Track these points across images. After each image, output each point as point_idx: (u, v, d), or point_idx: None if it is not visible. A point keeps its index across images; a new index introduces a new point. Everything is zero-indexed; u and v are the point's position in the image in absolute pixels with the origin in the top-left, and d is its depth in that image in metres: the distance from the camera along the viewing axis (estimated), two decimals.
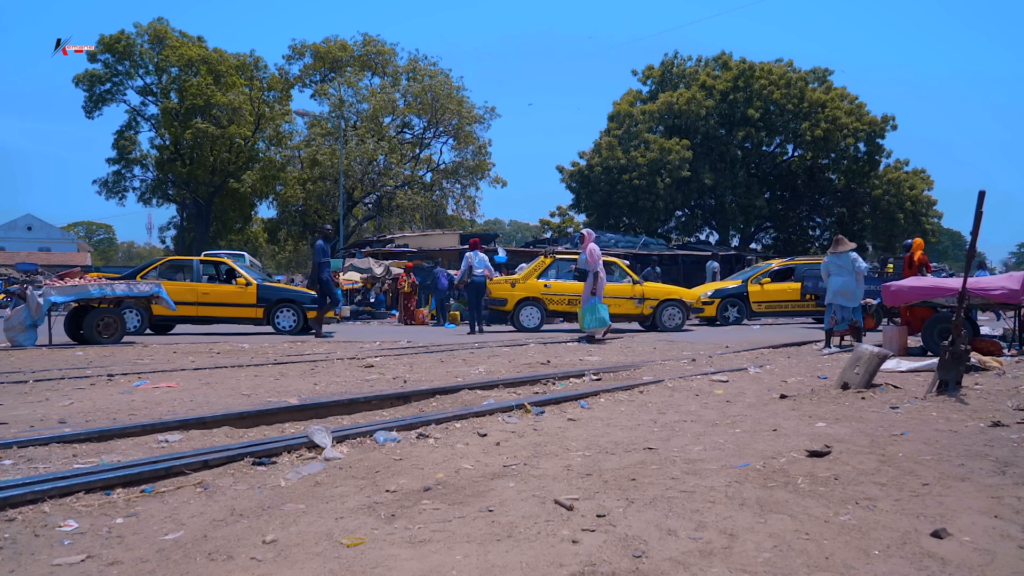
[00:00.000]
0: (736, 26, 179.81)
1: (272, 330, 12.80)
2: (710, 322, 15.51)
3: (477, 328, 12.69)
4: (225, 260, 14.20)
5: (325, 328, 12.75)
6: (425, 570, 2.10)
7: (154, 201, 39.28)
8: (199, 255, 28.18)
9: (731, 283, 16.18)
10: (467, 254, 13.18)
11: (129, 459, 3.40)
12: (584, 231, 11.70)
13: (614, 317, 13.92)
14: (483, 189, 56.90)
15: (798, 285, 15.19)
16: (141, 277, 12.46)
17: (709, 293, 15.43)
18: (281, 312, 12.83)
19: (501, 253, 21.94)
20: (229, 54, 37.28)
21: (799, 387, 5.77)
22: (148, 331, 12.52)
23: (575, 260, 13.89)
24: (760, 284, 15.37)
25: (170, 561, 2.20)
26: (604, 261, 14.44)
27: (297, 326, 12.77)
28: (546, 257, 13.96)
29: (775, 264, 16.46)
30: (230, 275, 13.30)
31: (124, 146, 37.94)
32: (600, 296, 10.79)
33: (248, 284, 12.87)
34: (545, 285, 13.47)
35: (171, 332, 13.17)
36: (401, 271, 20.19)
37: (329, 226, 14.23)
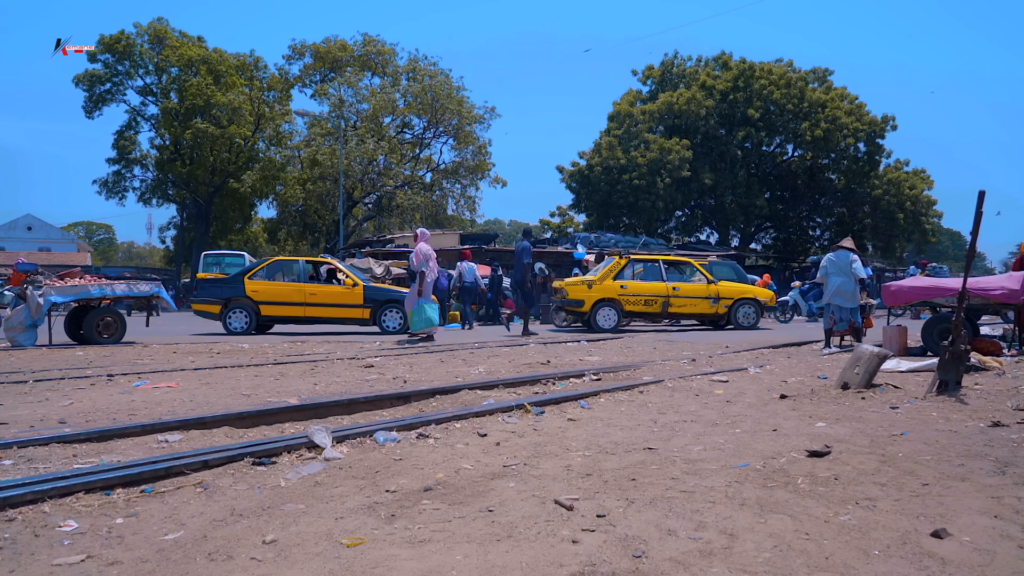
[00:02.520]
0: (736, 26, 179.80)
1: (378, 330, 12.86)
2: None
3: (467, 326, 14.71)
4: (330, 261, 14.22)
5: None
6: (425, 570, 2.10)
7: (154, 201, 39.33)
8: (199, 255, 28.24)
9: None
10: (459, 264, 15.63)
11: (129, 459, 3.40)
12: (418, 230, 11.72)
13: (691, 316, 14.22)
14: (483, 189, 56.98)
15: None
16: (249, 278, 12.72)
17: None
18: (387, 312, 12.88)
19: (580, 250, 21.95)
20: (229, 54, 37.29)
21: (799, 387, 5.77)
22: (253, 331, 12.62)
23: (653, 262, 14.05)
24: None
25: (170, 561, 2.20)
26: (676, 262, 14.58)
27: (403, 326, 12.81)
28: (621, 258, 14.03)
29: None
30: (330, 275, 13.34)
31: (124, 146, 37.96)
32: (428, 296, 10.76)
33: (355, 285, 12.94)
34: (621, 286, 13.51)
35: (269, 332, 13.10)
36: (403, 271, 20.21)
37: (529, 230, 14.36)
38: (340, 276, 13.20)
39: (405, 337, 11.19)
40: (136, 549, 2.32)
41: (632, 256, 14.28)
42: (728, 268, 16.40)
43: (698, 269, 14.23)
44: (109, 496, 2.88)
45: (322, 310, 12.89)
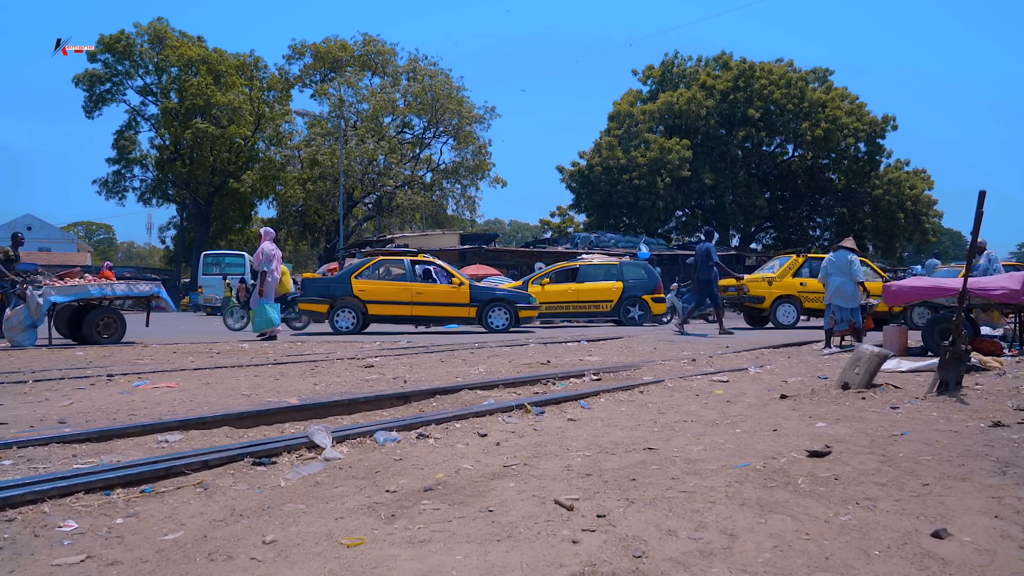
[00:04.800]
0: (736, 26, 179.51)
1: (483, 329, 12.89)
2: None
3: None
4: (431, 259, 14.23)
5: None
6: (425, 570, 2.10)
7: (154, 201, 39.40)
8: (199, 255, 28.25)
9: (514, 284, 16.27)
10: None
11: (129, 459, 3.40)
12: (262, 229, 11.71)
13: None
14: (483, 189, 56.94)
15: (580, 286, 15.57)
16: (355, 277, 12.79)
17: None
18: (493, 311, 12.92)
19: (644, 249, 22.08)
20: (229, 54, 37.33)
21: (799, 387, 5.76)
22: (364, 331, 12.72)
23: (820, 258, 13.98)
24: (541, 285, 15.52)
25: (170, 561, 2.20)
26: None
27: (508, 324, 12.89)
28: (798, 256, 14.26)
29: (560, 265, 16.62)
30: (426, 275, 13.37)
31: (124, 146, 37.99)
32: (269, 296, 10.73)
33: (461, 284, 13.01)
34: (801, 283, 13.81)
35: (365, 332, 13.02)
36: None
37: (711, 229, 14.62)
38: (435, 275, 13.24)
39: (255, 336, 11.19)
40: (136, 549, 2.32)
41: (809, 256, 14.42)
42: (640, 268, 16.26)
43: (876, 271, 14.32)
44: (109, 496, 2.88)
45: (429, 309, 12.98)
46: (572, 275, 15.96)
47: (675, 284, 17.50)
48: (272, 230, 11.72)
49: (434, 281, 13.29)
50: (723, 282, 13.43)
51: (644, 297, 15.49)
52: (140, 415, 4.59)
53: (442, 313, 13.03)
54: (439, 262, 13.96)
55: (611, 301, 15.51)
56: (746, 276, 14.68)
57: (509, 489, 2.93)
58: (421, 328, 14.02)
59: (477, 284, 13.56)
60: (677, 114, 34.31)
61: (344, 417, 4.72)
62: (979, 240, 11.46)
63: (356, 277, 12.85)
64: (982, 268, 10.37)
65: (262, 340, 10.57)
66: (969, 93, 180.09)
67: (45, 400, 5.23)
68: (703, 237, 13.20)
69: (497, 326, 12.88)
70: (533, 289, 15.10)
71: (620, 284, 15.56)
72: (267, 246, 10.87)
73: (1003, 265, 12.18)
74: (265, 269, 10.70)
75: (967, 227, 5.41)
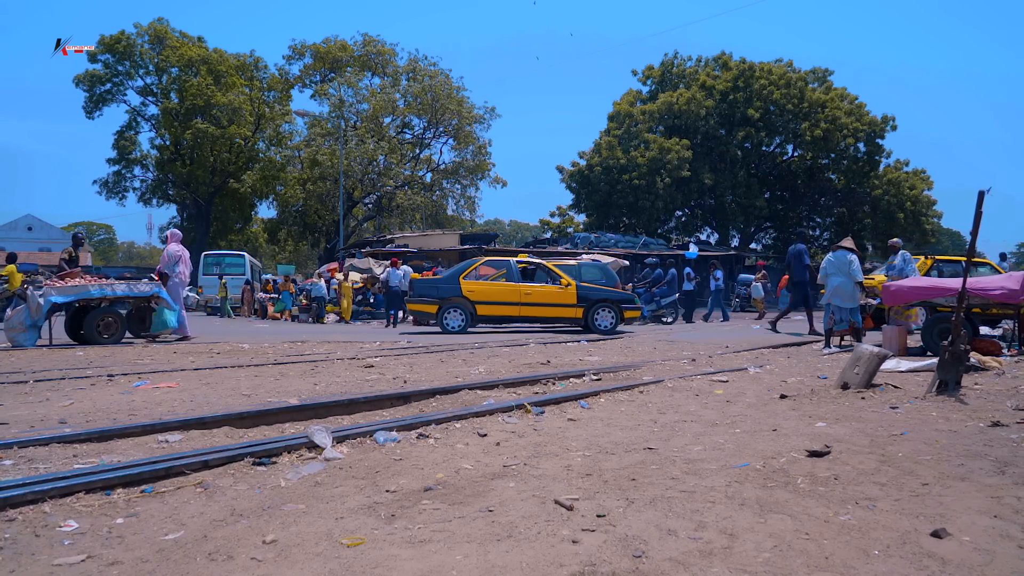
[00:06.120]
0: (736, 26, 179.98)
1: (580, 329, 12.84)
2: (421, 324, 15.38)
3: (393, 324, 16.05)
4: (536, 260, 14.21)
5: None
6: (425, 570, 2.10)
7: (154, 201, 39.37)
8: (199, 256, 28.24)
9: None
10: (387, 269, 17.29)
11: (129, 459, 3.40)
12: (169, 231, 11.71)
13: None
14: (483, 189, 56.92)
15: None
16: (464, 278, 12.87)
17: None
18: (599, 312, 12.88)
19: (693, 249, 22.12)
20: (229, 54, 37.32)
21: (799, 387, 5.77)
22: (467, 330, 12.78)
23: (950, 261, 13.85)
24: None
25: (170, 561, 2.21)
26: (976, 263, 14.39)
27: (614, 325, 12.80)
28: (927, 258, 14.06)
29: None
30: (528, 275, 13.37)
31: (124, 146, 37.98)
32: (177, 299, 10.75)
33: (568, 284, 12.98)
34: None
35: (471, 331, 12.95)
36: (423, 272, 20.31)
37: (804, 230, 14.26)
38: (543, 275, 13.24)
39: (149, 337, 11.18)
40: (136, 549, 2.32)
41: (938, 258, 14.18)
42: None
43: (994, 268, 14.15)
44: (109, 496, 2.88)
45: (536, 310, 12.98)
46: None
47: (629, 285, 17.14)
48: (179, 232, 11.62)
49: (542, 282, 13.31)
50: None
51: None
52: (140, 415, 4.59)
53: (550, 314, 13.03)
54: (544, 263, 13.95)
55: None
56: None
57: (509, 489, 2.93)
58: (524, 327, 13.77)
59: (583, 285, 13.40)
60: (677, 114, 34.27)
61: (344, 417, 4.73)
62: (894, 240, 11.68)
63: (464, 278, 12.94)
64: (897, 268, 10.59)
65: (179, 342, 10.54)
66: (969, 93, 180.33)
67: (46, 400, 5.23)
68: (795, 238, 13.07)
69: (603, 327, 12.79)
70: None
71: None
72: (173, 248, 10.80)
73: (989, 265, 12.35)
74: (167, 271, 10.65)
75: (967, 227, 5.41)
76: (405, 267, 17.62)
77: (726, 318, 17.98)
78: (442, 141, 38.98)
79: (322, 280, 20.29)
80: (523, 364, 7.53)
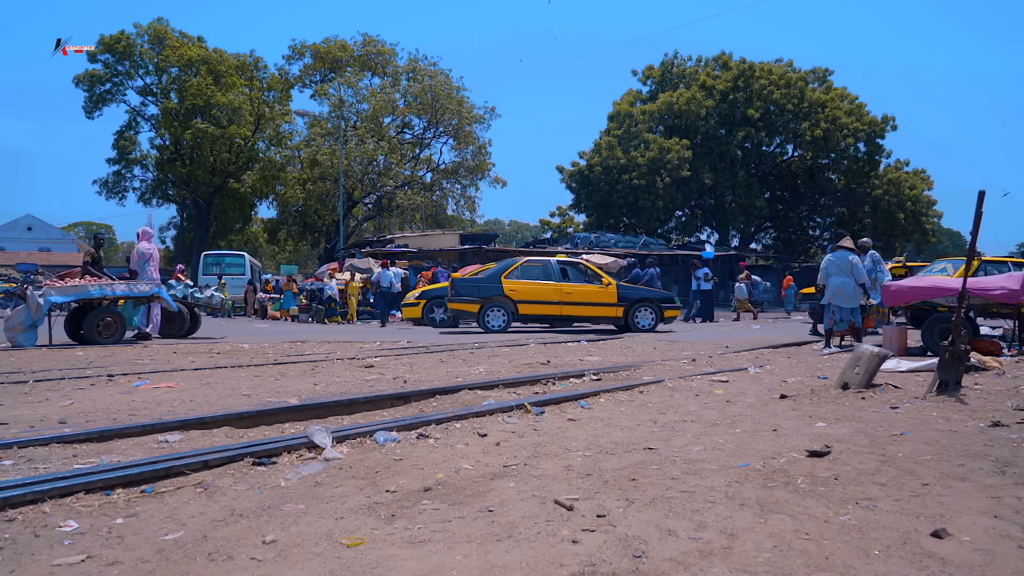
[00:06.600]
0: (736, 26, 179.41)
1: (614, 329, 12.92)
2: (416, 323, 15.69)
3: (384, 324, 16.54)
4: (578, 260, 14.20)
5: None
6: (425, 570, 2.10)
7: (154, 201, 39.35)
8: (199, 255, 28.25)
9: (444, 284, 15.88)
10: (378, 270, 17.57)
11: (129, 459, 3.40)
12: (139, 229, 11.60)
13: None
14: (483, 189, 56.91)
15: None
16: (505, 277, 12.95)
17: (417, 295, 15.87)
18: (640, 312, 12.94)
19: (709, 249, 22.12)
20: (229, 54, 37.31)
21: (799, 387, 5.77)
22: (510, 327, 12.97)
23: (999, 262, 13.78)
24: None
25: (170, 561, 2.20)
26: (998, 262, 14.40)
27: (654, 325, 12.87)
28: (976, 259, 14.02)
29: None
30: (564, 274, 13.40)
31: (124, 146, 37.97)
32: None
33: (609, 284, 13.04)
34: None
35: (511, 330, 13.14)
36: (406, 271, 20.30)
37: (842, 232, 14.17)
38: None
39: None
40: (136, 549, 2.32)
41: (984, 259, 14.16)
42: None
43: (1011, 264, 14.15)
44: (109, 496, 2.88)
45: (578, 309, 13.04)
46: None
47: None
48: (150, 230, 11.48)
49: (582, 281, 13.35)
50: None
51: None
52: (140, 415, 4.59)
53: (591, 313, 13.09)
54: (583, 262, 13.98)
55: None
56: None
57: (509, 489, 2.93)
58: (565, 327, 13.94)
59: (624, 284, 13.48)
60: (677, 114, 34.27)
61: (344, 417, 4.73)
62: (864, 240, 11.72)
63: (506, 277, 13.02)
64: (867, 268, 10.61)
65: (137, 341, 10.60)
66: (969, 93, 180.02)
67: (45, 400, 5.23)
68: (832, 239, 13.06)
69: (644, 326, 12.88)
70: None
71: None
72: (144, 246, 10.77)
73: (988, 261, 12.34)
74: (137, 269, 10.66)
75: (967, 227, 5.42)
76: (396, 268, 17.79)
77: (703, 319, 17.95)
78: (442, 141, 39.00)
79: (333, 281, 20.22)
80: (523, 364, 7.53)
